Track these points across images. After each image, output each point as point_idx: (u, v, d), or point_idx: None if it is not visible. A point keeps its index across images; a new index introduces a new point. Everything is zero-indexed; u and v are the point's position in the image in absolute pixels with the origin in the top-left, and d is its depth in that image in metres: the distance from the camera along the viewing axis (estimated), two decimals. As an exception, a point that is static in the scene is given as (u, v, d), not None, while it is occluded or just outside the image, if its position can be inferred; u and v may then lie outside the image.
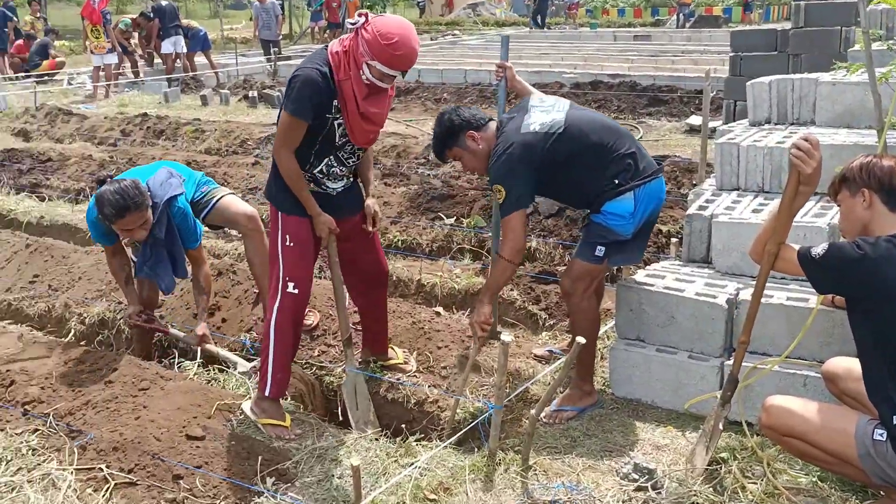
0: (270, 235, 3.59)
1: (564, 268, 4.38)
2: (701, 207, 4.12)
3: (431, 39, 23.85)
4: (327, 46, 3.31)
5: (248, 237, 4.34)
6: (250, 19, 24.35)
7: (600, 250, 3.49)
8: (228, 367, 4.08)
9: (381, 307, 4.00)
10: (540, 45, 20.74)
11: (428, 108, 12.62)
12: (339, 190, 3.60)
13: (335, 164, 3.50)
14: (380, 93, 3.29)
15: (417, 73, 14.78)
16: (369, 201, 3.71)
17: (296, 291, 3.48)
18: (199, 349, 4.19)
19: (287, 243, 3.49)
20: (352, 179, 3.68)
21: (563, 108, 3.57)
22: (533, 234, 5.82)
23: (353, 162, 3.56)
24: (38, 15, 20.77)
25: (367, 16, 3.18)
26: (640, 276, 3.90)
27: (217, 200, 4.34)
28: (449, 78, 14.48)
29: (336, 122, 3.35)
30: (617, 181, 3.45)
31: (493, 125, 3.67)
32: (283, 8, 23.71)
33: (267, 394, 3.53)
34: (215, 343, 4.26)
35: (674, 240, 4.99)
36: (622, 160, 3.46)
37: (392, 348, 4.14)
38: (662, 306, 3.65)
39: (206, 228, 4.64)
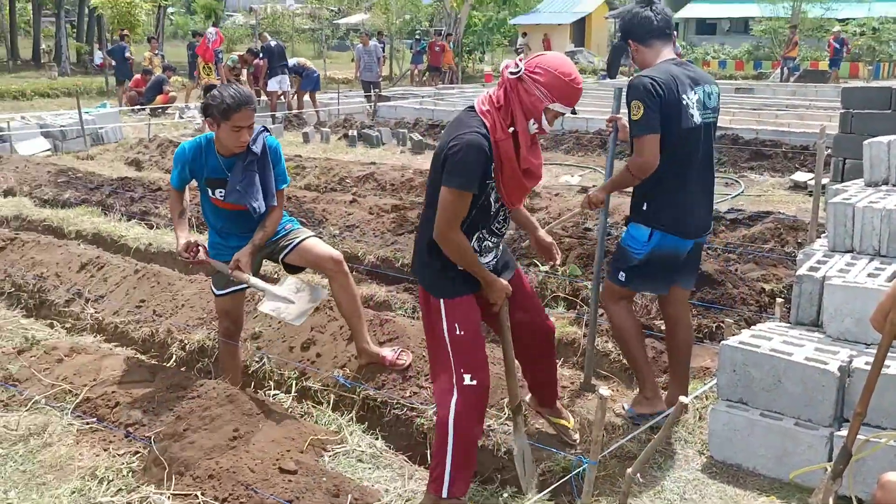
0: (427, 323, 3.29)
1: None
2: (812, 268, 3.97)
3: (528, 85, 23.99)
4: (472, 108, 3.09)
5: (333, 279, 4.35)
6: (352, 60, 25.09)
7: (622, 275, 3.84)
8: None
9: (547, 361, 3.69)
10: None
11: (524, 153, 12.62)
12: (491, 263, 3.35)
13: (487, 237, 3.24)
14: (536, 144, 3.18)
15: (514, 119, 14.83)
16: (541, 233, 3.59)
17: (474, 383, 3.12)
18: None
19: (457, 332, 3.15)
20: (501, 248, 3.44)
21: (702, 118, 3.68)
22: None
23: (504, 230, 3.33)
24: (156, 52, 21.93)
25: (519, 63, 3.00)
26: (745, 336, 3.77)
27: (299, 241, 4.36)
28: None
29: (491, 187, 3.10)
30: (646, 206, 3.68)
31: (659, 46, 3.68)
32: (383, 50, 24.39)
33: (445, 496, 3.15)
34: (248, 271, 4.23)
35: (778, 300, 4.81)
36: (671, 197, 3.64)
37: (563, 407, 3.88)
38: (769, 369, 3.51)
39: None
